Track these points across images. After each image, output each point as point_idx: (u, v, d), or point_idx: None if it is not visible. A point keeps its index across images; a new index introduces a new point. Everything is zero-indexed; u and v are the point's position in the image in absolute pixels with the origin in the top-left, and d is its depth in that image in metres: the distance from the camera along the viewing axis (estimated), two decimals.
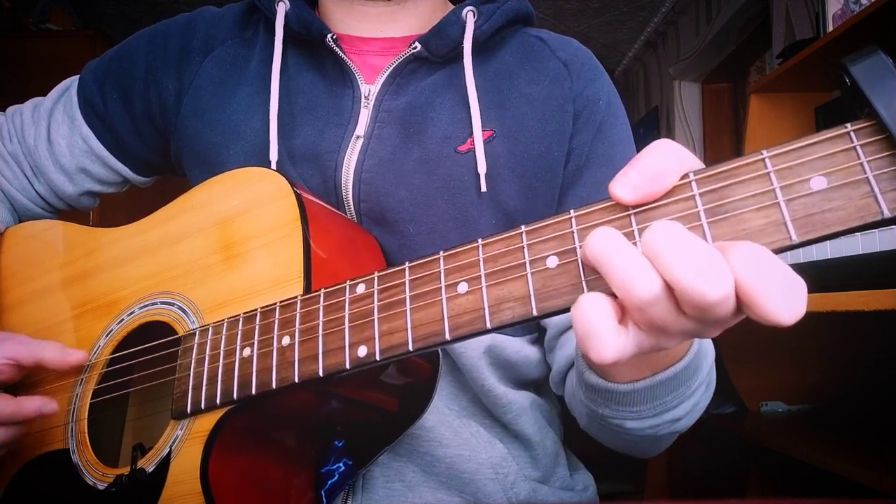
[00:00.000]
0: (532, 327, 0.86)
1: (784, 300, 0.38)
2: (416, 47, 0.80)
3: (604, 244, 0.41)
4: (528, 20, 0.90)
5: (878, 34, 1.82)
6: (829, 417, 1.91)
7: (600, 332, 0.41)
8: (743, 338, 1.98)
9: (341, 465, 0.69)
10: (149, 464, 0.64)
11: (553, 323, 0.82)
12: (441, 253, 0.51)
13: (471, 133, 0.79)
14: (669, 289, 0.40)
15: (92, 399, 0.73)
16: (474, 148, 0.79)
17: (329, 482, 0.69)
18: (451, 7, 0.91)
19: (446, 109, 0.81)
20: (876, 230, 1.42)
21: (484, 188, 0.78)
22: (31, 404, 0.70)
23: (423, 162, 0.79)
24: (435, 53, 0.81)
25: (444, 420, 0.78)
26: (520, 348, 0.83)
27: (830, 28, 2.18)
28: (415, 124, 0.80)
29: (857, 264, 1.42)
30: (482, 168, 0.77)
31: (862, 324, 1.75)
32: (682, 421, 0.67)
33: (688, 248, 0.39)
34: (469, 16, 0.82)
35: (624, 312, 0.43)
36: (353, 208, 0.79)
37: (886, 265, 1.38)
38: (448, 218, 0.79)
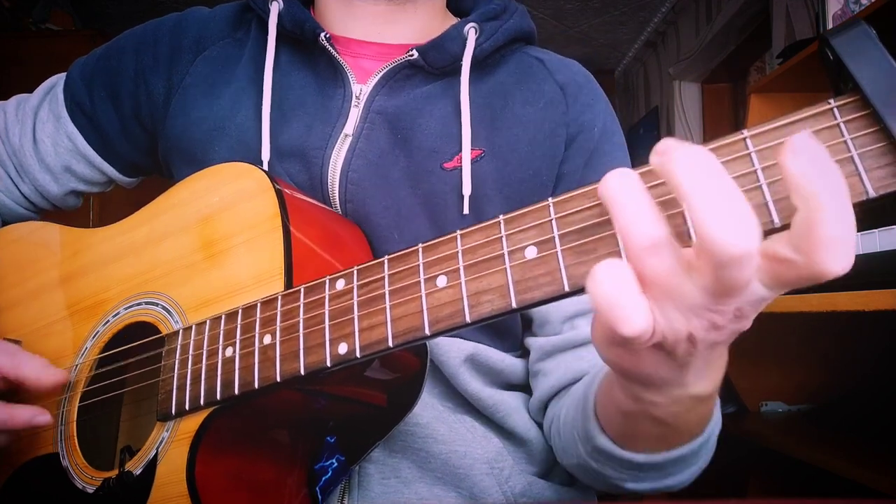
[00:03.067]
0: (516, 344, 0.85)
1: (839, 245, 0.35)
2: (412, 54, 0.79)
3: (620, 184, 0.39)
4: (530, 39, 0.89)
5: (877, 34, 1.82)
6: (829, 417, 1.91)
7: (623, 298, 0.38)
8: (743, 338, 1.98)
9: (334, 461, 0.69)
10: (136, 466, 0.64)
11: (537, 346, 0.81)
12: (420, 245, 0.50)
13: (458, 150, 0.78)
14: (674, 244, 0.38)
15: (80, 402, 0.72)
16: (460, 167, 0.78)
17: (323, 478, 0.68)
18: (450, 16, 0.91)
19: (436, 121, 0.79)
20: (875, 230, 1.42)
21: (466, 211, 0.77)
22: (23, 414, 0.68)
23: (409, 174, 0.78)
24: (432, 65, 0.80)
25: (440, 416, 0.78)
26: (503, 358, 0.82)
27: (830, 28, 2.18)
28: (403, 130, 0.79)
29: (857, 264, 1.41)
30: (467, 190, 0.76)
31: (862, 324, 1.74)
32: (679, 483, 0.65)
33: (722, 188, 0.35)
34: (471, 32, 0.80)
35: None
36: (339, 207, 0.78)
37: (886, 265, 1.37)
38: (430, 235, 0.77)
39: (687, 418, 0.54)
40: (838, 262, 0.35)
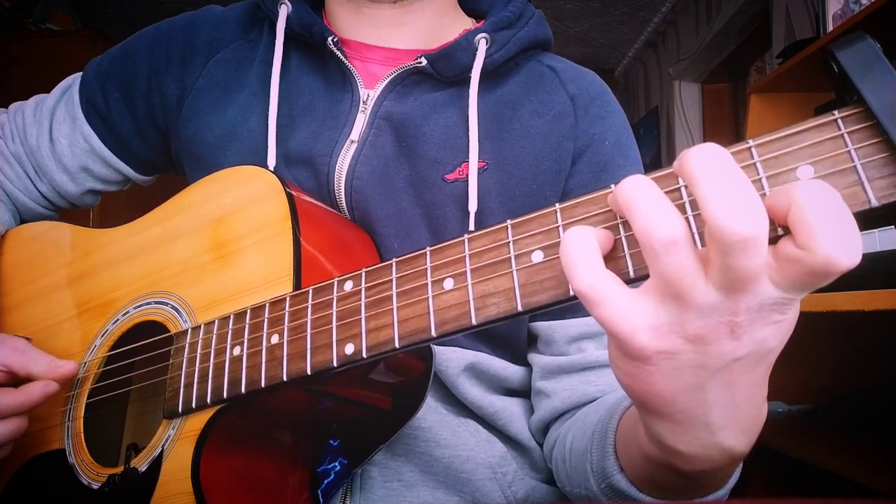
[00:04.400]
0: (519, 357, 0.84)
1: (843, 237, 0.35)
2: (421, 61, 0.78)
3: (635, 187, 0.39)
4: (546, 46, 0.87)
5: (878, 34, 1.81)
6: (828, 417, 1.91)
7: (577, 253, 0.40)
8: None
9: (336, 464, 0.69)
10: (141, 463, 0.64)
11: (542, 364, 0.80)
12: (427, 248, 0.50)
13: (460, 162, 0.77)
14: (691, 242, 0.38)
15: (88, 399, 0.73)
16: (461, 178, 0.77)
17: (325, 482, 0.68)
18: (462, 16, 0.89)
19: (440, 130, 0.78)
20: (875, 230, 1.42)
21: (472, 226, 0.76)
22: (35, 391, 0.69)
23: (412, 183, 0.77)
24: (440, 74, 0.79)
25: (443, 420, 0.77)
26: (506, 366, 0.81)
27: (830, 28, 2.19)
28: (407, 138, 0.78)
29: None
30: (473, 206, 0.75)
31: (862, 324, 1.74)
32: None
33: (730, 173, 0.36)
34: (481, 43, 0.79)
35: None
36: (347, 214, 0.78)
37: (886, 265, 1.38)
38: (429, 245, 0.77)
39: (714, 476, 0.51)
40: (842, 252, 0.35)
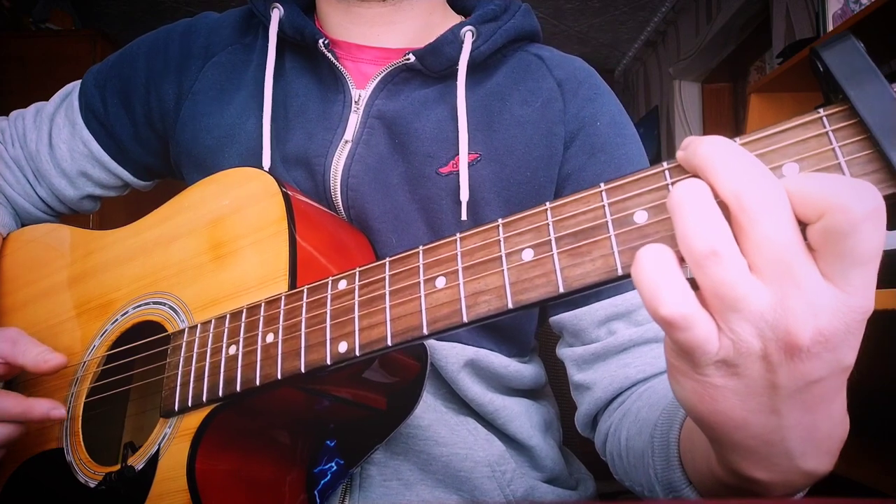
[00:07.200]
0: (524, 350, 0.85)
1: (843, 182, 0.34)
2: (409, 58, 0.79)
3: (681, 193, 0.37)
4: (534, 38, 0.87)
5: (878, 34, 1.82)
6: None
7: (659, 277, 0.36)
8: None
9: (333, 464, 0.69)
10: (138, 462, 0.64)
11: (575, 356, 0.78)
12: (420, 247, 0.51)
13: (453, 155, 0.78)
14: (735, 251, 0.36)
15: (87, 398, 0.73)
16: (456, 171, 0.77)
17: (322, 482, 0.69)
18: (451, 14, 0.90)
19: (431, 125, 0.79)
20: None
21: (464, 217, 0.76)
22: (40, 408, 0.69)
23: (407, 179, 0.78)
24: (429, 69, 0.80)
25: (442, 418, 0.78)
26: (507, 363, 0.81)
27: (830, 28, 2.19)
28: (400, 135, 0.79)
29: None
30: (464, 196, 0.76)
31: None
32: None
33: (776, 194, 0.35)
34: (467, 36, 0.79)
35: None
36: (343, 213, 0.79)
37: (886, 265, 1.38)
38: (427, 240, 0.76)
39: (794, 492, 0.46)
40: (850, 194, 0.34)
